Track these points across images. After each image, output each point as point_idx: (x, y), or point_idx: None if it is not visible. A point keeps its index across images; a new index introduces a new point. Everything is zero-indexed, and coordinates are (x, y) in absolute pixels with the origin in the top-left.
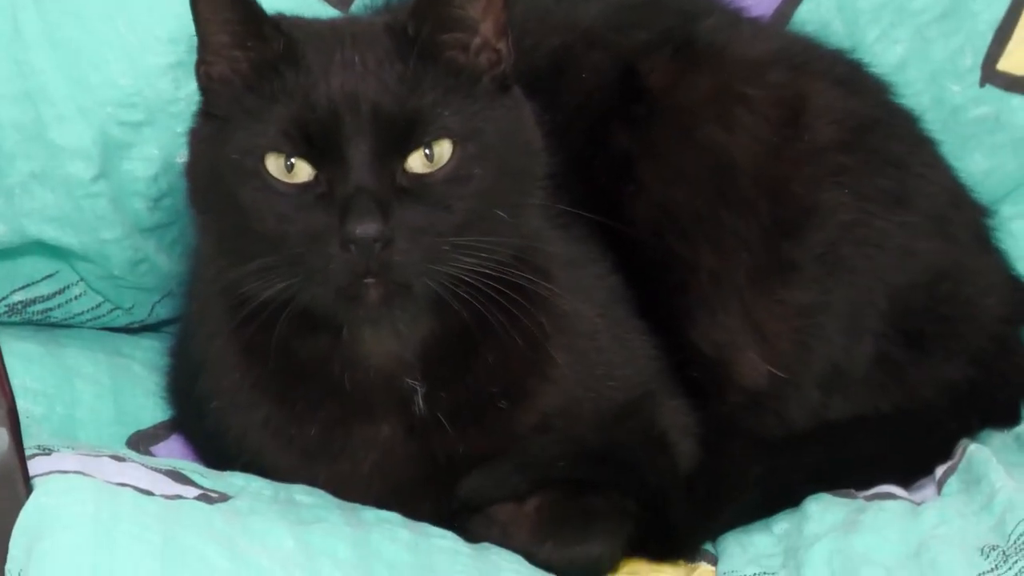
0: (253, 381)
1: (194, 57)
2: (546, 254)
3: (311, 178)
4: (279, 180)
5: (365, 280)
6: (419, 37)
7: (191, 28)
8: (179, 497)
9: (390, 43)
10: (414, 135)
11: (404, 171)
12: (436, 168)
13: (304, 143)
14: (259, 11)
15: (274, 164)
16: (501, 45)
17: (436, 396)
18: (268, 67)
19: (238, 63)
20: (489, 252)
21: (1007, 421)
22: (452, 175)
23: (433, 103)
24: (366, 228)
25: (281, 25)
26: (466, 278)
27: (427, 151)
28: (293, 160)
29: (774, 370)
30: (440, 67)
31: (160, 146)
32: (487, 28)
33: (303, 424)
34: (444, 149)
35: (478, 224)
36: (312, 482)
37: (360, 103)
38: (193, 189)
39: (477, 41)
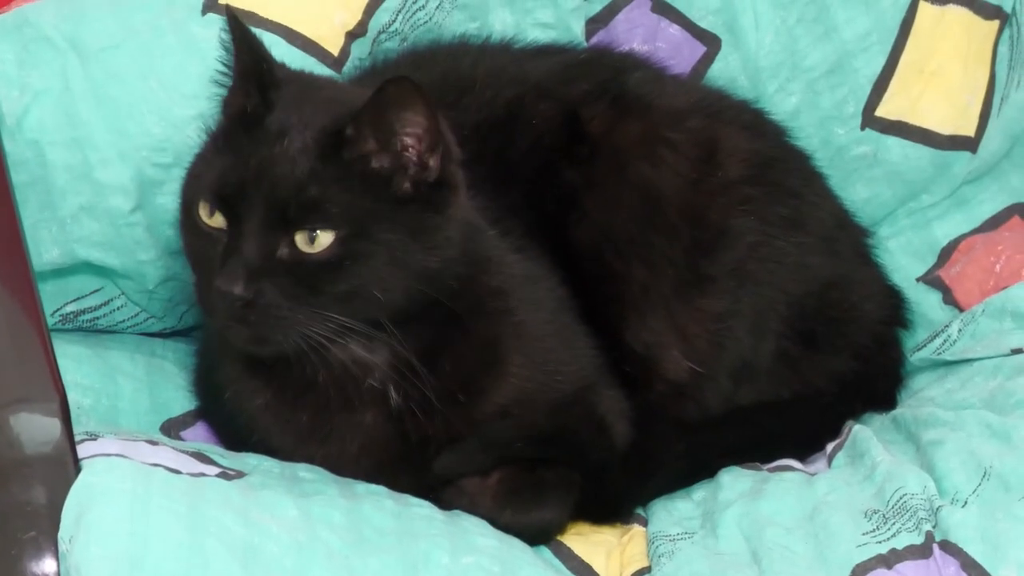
0: (252, 372)
1: (212, 110)
2: (504, 274)
3: (224, 226)
4: (202, 218)
5: (228, 322)
6: (352, 141)
7: (209, 87)
8: (202, 475)
9: (325, 134)
10: (301, 220)
11: (290, 244)
12: (315, 251)
13: (220, 200)
14: (259, 68)
15: (203, 206)
16: (429, 159)
17: (407, 393)
18: (242, 118)
19: (236, 105)
20: (349, 322)
21: (885, 405)
22: (327, 260)
23: (331, 198)
24: (229, 286)
25: (268, 82)
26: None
27: (311, 234)
28: (215, 209)
29: (694, 366)
30: (359, 168)
31: None
32: (419, 144)
33: (295, 410)
34: (326, 237)
35: (341, 304)
36: (309, 460)
37: (264, 182)
38: (181, 196)
39: (407, 155)
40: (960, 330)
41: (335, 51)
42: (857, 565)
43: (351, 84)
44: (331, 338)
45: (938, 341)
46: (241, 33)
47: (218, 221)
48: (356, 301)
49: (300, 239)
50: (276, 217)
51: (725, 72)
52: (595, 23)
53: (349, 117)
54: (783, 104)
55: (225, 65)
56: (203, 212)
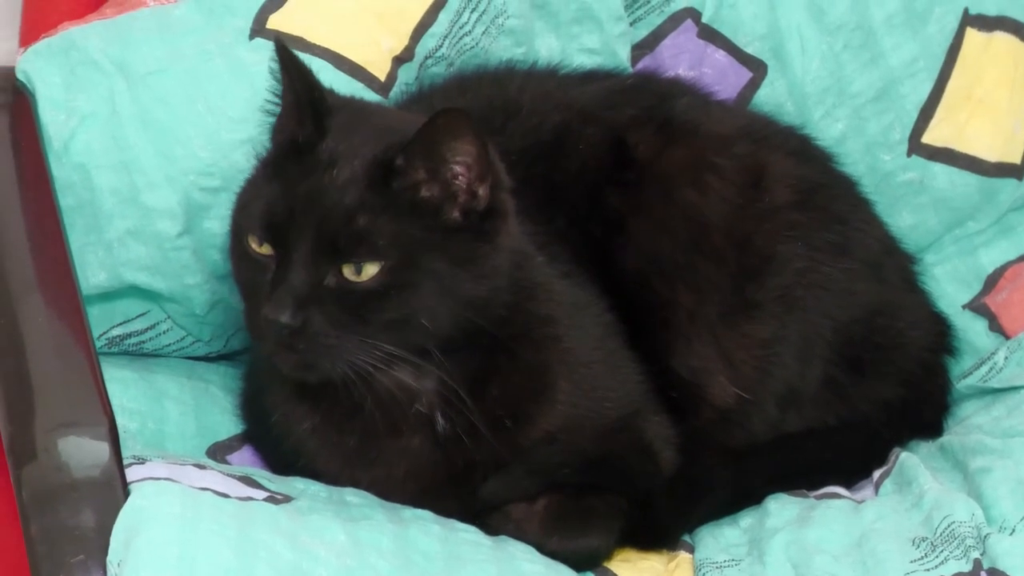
0: (299, 396)
1: (259, 135)
2: (552, 301)
3: (273, 254)
4: (251, 246)
5: (276, 349)
6: (402, 171)
7: (256, 112)
8: (250, 499)
9: (375, 164)
10: (349, 251)
11: (337, 273)
12: (362, 280)
13: (269, 229)
14: (311, 97)
15: (251, 236)
16: (479, 188)
17: (453, 419)
18: (293, 146)
19: (290, 132)
20: (396, 350)
21: (932, 433)
22: (374, 289)
23: (380, 228)
24: (277, 314)
25: (322, 111)
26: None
27: (359, 265)
28: (263, 239)
29: (740, 392)
30: (408, 197)
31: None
32: (468, 173)
33: (342, 434)
34: (372, 267)
35: (388, 332)
36: (356, 484)
37: (313, 211)
38: (232, 222)
39: (457, 184)
40: (1007, 357)
41: (382, 76)
42: None
43: (398, 109)
44: (377, 365)
45: (984, 368)
46: (292, 62)
47: (267, 249)
48: (403, 329)
49: (347, 269)
50: (325, 247)
51: (771, 98)
52: (641, 49)
53: (399, 147)
54: (829, 130)
55: (273, 93)
56: (252, 241)
